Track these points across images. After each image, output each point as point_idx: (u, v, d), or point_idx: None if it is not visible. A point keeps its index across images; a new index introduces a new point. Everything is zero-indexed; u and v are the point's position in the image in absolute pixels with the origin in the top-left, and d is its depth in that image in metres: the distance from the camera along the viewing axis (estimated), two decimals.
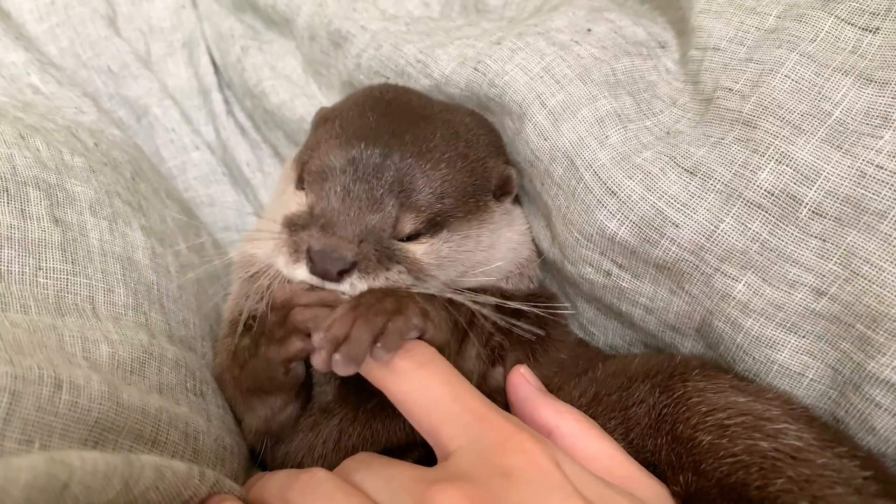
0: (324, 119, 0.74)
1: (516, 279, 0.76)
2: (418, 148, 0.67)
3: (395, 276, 0.64)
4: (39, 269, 0.63)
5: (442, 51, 0.78)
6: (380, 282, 0.63)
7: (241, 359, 0.69)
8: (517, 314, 0.69)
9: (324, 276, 0.62)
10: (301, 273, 0.64)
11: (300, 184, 0.70)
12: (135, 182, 0.82)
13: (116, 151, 0.85)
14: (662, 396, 0.61)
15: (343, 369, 0.54)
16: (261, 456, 0.73)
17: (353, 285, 0.62)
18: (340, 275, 0.62)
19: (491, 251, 0.73)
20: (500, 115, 0.77)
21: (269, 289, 0.68)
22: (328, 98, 0.98)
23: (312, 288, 0.63)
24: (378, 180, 0.64)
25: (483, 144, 0.73)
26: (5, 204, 0.63)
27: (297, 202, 0.69)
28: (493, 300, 0.66)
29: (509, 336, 0.70)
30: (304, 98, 0.98)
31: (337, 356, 0.54)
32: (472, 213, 0.70)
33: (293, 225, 0.66)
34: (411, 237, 0.66)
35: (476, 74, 0.75)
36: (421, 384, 0.55)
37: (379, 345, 0.54)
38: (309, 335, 0.59)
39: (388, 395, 0.57)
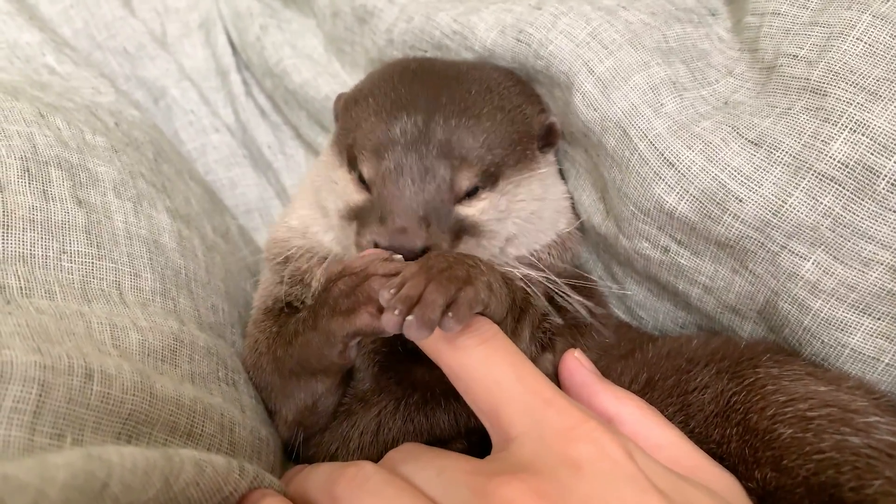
0: (353, 100, 0.72)
1: (559, 250, 0.73)
2: (457, 107, 0.66)
3: (463, 246, 0.63)
4: (64, 252, 0.61)
5: (477, 17, 0.74)
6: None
7: (288, 336, 0.66)
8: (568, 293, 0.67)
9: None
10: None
11: (350, 165, 0.68)
12: (157, 163, 0.79)
13: (137, 132, 0.82)
14: (731, 383, 0.57)
15: (416, 333, 0.49)
16: (294, 452, 0.70)
17: None
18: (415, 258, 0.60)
19: (542, 204, 0.71)
20: (548, 86, 0.74)
21: (305, 272, 0.66)
22: (352, 77, 0.95)
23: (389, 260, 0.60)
24: (427, 147, 0.63)
25: (516, 94, 0.72)
26: (27, 184, 0.61)
27: (350, 188, 0.68)
28: (546, 276, 0.64)
29: (562, 317, 0.67)
30: (327, 76, 0.95)
31: (411, 318, 0.50)
32: (522, 161, 0.69)
33: (353, 216, 0.65)
34: (470, 194, 0.65)
35: (520, 46, 0.72)
36: (482, 361, 0.52)
37: (450, 314, 0.50)
38: (381, 310, 0.55)
39: (444, 369, 0.53)
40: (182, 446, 0.54)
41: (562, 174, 0.78)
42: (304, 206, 0.76)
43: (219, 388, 0.64)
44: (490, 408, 0.51)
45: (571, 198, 0.78)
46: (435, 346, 0.54)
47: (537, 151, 0.71)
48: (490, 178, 0.66)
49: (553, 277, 0.66)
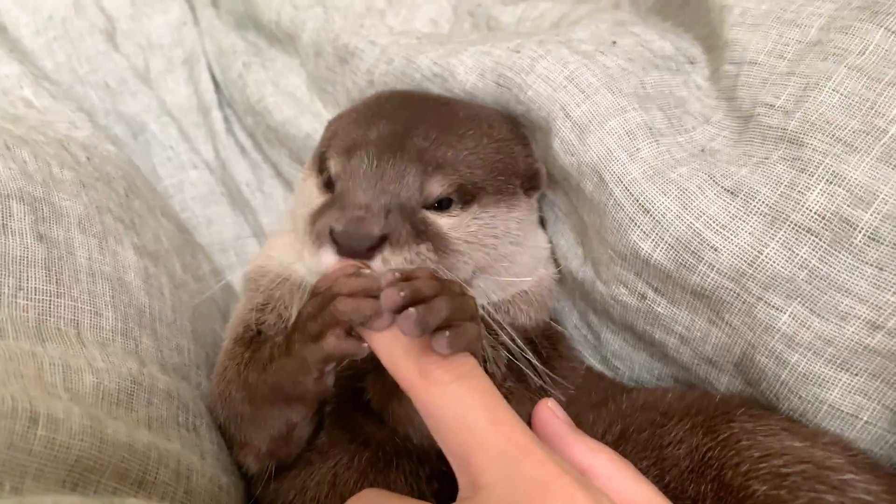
0: (337, 117, 0.72)
1: (530, 306, 0.70)
2: (442, 123, 0.65)
3: (425, 253, 0.59)
4: (20, 289, 0.59)
5: (457, 60, 0.74)
6: (412, 255, 0.58)
7: (262, 361, 0.62)
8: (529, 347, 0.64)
9: (352, 255, 0.57)
10: (327, 258, 0.58)
11: (319, 170, 0.67)
12: (128, 199, 0.78)
13: (110, 167, 0.81)
14: (706, 438, 0.56)
15: (408, 327, 0.46)
16: (258, 491, 0.67)
17: (386, 260, 0.57)
18: (370, 251, 0.57)
19: (517, 248, 0.69)
20: (531, 130, 0.73)
21: (278, 300, 0.65)
22: (333, 116, 0.94)
23: (355, 275, 0.56)
24: (402, 150, 0.62)
25: (506, 130, 0.70)
26: None
27: (315, 193, 0.66)
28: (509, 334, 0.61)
29: (517, 372, 0.64)
30: (309, 115, 0.95)
31: (412, 310, 0.46)
32: (502, 193, 0.67)
33: (316, 216, 0.62)
34: (442, 206, 0.63)
35: (500, 90, 0.71)
36: (456, 400, 0.48)
37: (447, 333, 0.47)
38: (349, 332, 0.53)
39: (416, 403, 0.50)
40: (132, 495, 0.52)
41: (542, 222, 0.77)
42: (284, 236, 0.74)
43: (177, 434, 0.61)
44: (460, 451, 0.48)
45: (551, 245, 0.76)
46: (409, 377, 0.50)
47: (520, 190, 0.70)
48: (465, 196, 0.64)
49: (518, 343, 0.62)
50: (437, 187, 0.62)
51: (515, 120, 0.73)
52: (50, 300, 0.60)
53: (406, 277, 0.50)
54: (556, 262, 0.76)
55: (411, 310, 0.46)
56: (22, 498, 0.39)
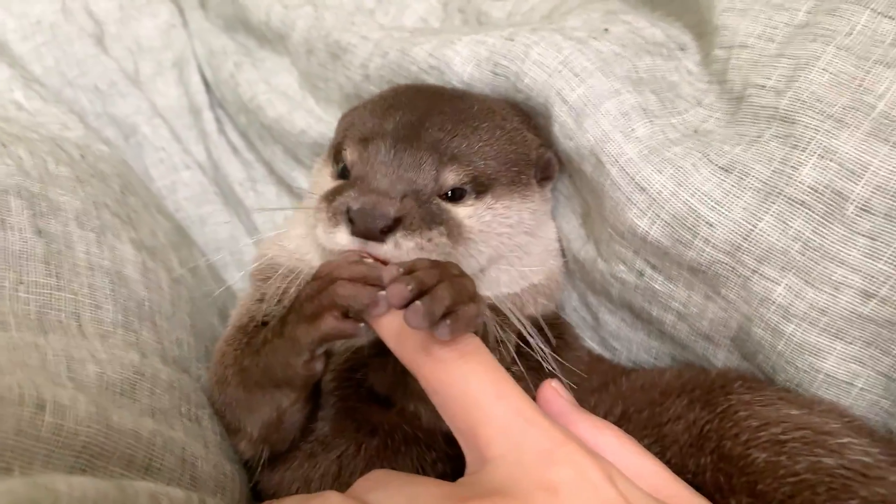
0: (352, 109, 0.73)
1: (540, 296, 0.71)
2: (457, 115, 0.66)
3: (437, 239, 0.60)
4: (20, 283, 0.59)
5: (452, 51, 0.74)
6: (424, 240, 0.59)
7: (257, 345, 0.63)
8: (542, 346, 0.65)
9: (366, 235, 0.58)
10: (341, 237, 0.59)
11: (334, 160, 0.68)
12: (124, 195, 0.78)
13: (104, 165, 0.81)
14: (704, 412, 0.56)
15: (417, 320, 0.46)
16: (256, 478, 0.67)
17: (398, 244, 0.58)
18: (384, 233, 0.58)
19: (530, 239, 0.70)
20: (533, 116, 0.74)
21: (285, 293, 0.65)
22: (327, 112, 0.95)
23: (358, 263, 0.57)
24: (418, 141, 0.63)
25: (518, 121, 0.71)
26: None
27: (329, 182, 0.67)
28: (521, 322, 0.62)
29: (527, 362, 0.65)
30: (303, 111, 0.96)
31: (418, 304, 0.47)
32: (516, 183, 0.68)
33: (332, 196, 0.62)
34: (456, 197, 0.64)
35: (498, 79, 0.72)
36: (462, 376, 0.49)
37: (448, 321, 0.48)
38: (346, 314, 0.53)
39: (422, 382, 0.51)
40: (139, 480, 0.52)
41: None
42: (299, 226, 0.74)
43: (181, 424, 0.61)
44: (468, 426, 0.48)
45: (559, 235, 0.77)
46: (413, 356, 0.51)
47: (533, 180, 0.70)
48: (480, 188, 0.65)
49: (529, 328, 0.63)
50: (452, 177, 0.63)
51: (526, 112, 0.74)
52: (50, 293, 0.60)
53: (408, 270, 0.51)
54: (563, 251, 0.77)
55: (418, 303, 0.47)
56: (34, 478, 0.39)
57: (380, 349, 0.58)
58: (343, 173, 0.66)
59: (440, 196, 0.63)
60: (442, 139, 0.63)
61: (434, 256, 0.59)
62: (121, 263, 0.68)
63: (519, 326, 0.62)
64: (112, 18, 1.10)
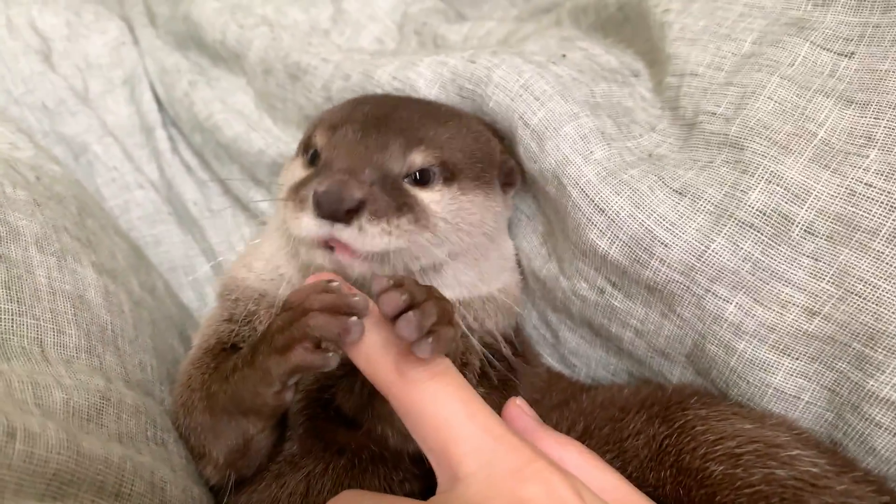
0: (325, 110, 0.76)
1: (497, 311, 0.72)
2: (425, 110, 0.69)
3: (405, 226, 0.61)
4: None
5: (415, 73, 0.76)
6: (391, 227, 0.60)
7: (226, 371, 0.62)
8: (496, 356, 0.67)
9: (332, 216, 0.58)
10: (307, 221, 0.59)
11: (304, 152, 0.69)
12: (82, 217, 0.77)
13: (59, 186, 0.80)
14: (662, 427, 0.59)
15: (409, 331, 0.47)
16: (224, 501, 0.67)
17: (363, 228, 0.58)
18: (349, 214, 0.58)
19: (489, 244, 0.71)
20: (503, 137, 0.76)
21: (254, 314, 0.66)
22: (284, 132, 0.96)
23: (327, 291, 0.56)
24: (386, 126, 0.65)
25: (484, 127, 0.74)
26: None
27: (299, 172, 0.68)
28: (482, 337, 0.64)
29: (487, 382, 0.67)
30: (261, 131, 0.95)
31: (411, 314, 0.48)
32: (481, 180, 0.69)
33: (300, 186, 0.63)
34: (424, 181, 0.65)
35: (464, 102, 0.75)
36: (433, 396, 0.50)
37: (430, 340, 0.48)
38: (318, 346, 0.53)
39: (393, 403, 0.52)
40: None
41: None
42: (270, 247, 0.73)
43: (148, 448, 0.61)
44: (439, 446, 0.49)
45: (517, 254, 0.78)
46: (385, 377, 0.52)
47: (497, 182, 0.72)
48: (447, 175, 0.66)
49: (496, 342, 0.65)
50: (419, 157, 0.64)
51: (491, 125, 0.76)
52: (12, 319, 0.59)
53: (397, 283, 0.51)
54: (521, 268, 0.78)
55: (410, 314, 0.48)
56: None
57: (348, 370, 0.58)
58: (313, 160, 0.67)
59: (407, 179, 0.64)
60: (410, 125, 0.65)
61: (398, 243, 0.60)
62: (82, 287, 0.67)
63: (476, 343, 0.63)
64: (59, 35, 1.09)
